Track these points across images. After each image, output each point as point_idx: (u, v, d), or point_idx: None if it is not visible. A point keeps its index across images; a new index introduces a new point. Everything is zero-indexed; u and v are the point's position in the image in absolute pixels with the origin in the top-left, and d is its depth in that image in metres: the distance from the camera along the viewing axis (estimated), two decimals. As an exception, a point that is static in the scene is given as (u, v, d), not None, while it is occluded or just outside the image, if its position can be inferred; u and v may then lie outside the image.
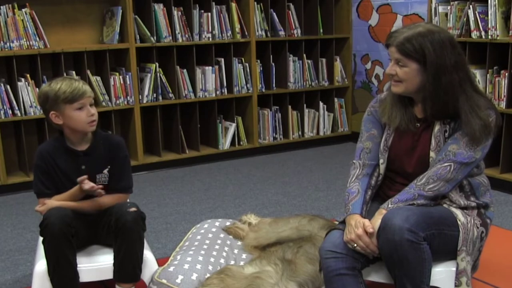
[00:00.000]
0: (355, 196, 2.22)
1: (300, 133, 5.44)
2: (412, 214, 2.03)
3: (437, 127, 2.19)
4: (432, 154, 2.18)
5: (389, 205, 2.11)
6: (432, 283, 2.14)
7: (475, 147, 2.13)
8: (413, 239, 1.98)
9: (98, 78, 4.52)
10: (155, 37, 4.65)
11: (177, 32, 4.72)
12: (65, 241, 2.27)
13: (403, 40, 2.12)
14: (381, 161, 2.30)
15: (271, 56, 5.18)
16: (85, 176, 2.36)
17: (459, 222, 2.12)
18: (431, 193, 2.13)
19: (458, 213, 2.15)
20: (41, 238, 2.60)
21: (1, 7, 4.15)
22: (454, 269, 2.13)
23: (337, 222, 2.47)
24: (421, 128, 2.24)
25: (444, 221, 2.10)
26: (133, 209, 2.36)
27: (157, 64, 4.71)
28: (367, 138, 2.35)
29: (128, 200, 2.55)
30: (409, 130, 2.24)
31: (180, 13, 4.74)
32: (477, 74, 4.03)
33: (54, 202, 2.38)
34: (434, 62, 2.09)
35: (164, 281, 2.36)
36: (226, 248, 2.71)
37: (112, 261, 2.39)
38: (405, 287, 2.05)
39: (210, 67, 4.90)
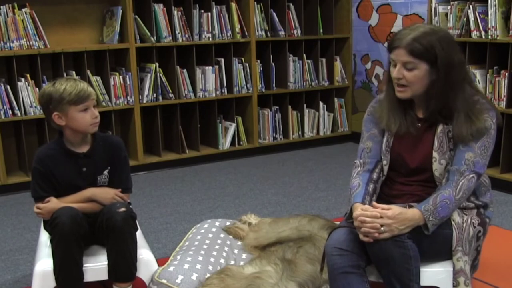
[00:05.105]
0: (356, 189, 2.22)
1: (300, 133, 5.44)
2: None
3: (440, 128, 2.18)
4: (435, 154, 2.18)
5: (425, 212, 2.05)
6: (430, 284, 2.15)
7: (486, 152, 2.13)
8: (396, 237, 2.00)
9: (98, 78, 4.52)
10: (155, 37, 4.64)
11: (177, 32, 4.72)
12: (74, 241, 2.27)
13: (411, 41, 2.07)
14: (384, 162, 2.29)
15: (271, 56, 5.18)
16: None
17: (453, 222, 2.12)
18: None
19: (454, 212, 2.14)
20: (42, 238, 2.61)
21: (1, 7, 4.15)
22: (452, 269, 2.13)
23: (337, 223, 2.47)
24: (423, 128, 2.23)
25: None
26: (123, 209, 2.34)
27: (157, 64, 4.71)
28: (368, 138, 2.35)
29: (128, 200, 2.55)
30: (410, 132, 2.23)
31: (180, 13, 4.74)
32: (477, 74, 4.03)
33: (58, 201, 2.37)
34: (444, 59, 2.07)
35: (164, 281, 2.36)
36: (226, 248, 2.71)
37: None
38: (394, 286, 2.06)
39: (210, 67, 4.89)
